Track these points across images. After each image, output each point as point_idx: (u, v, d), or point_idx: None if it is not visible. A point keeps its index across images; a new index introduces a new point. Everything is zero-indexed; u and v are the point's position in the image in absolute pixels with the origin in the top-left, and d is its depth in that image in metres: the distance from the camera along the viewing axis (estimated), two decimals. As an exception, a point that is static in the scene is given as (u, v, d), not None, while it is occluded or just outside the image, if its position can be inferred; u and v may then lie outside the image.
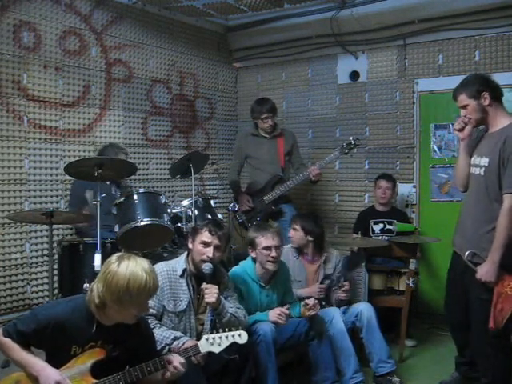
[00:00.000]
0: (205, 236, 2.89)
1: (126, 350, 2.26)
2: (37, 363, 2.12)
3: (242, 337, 2.39)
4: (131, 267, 2.15)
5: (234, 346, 2.41)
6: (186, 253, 3.03)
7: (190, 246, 2.97)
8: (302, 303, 3.29)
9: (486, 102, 2.90)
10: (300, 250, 3.75)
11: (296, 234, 3.71)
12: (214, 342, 2.35)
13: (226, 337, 2.37)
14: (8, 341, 2.14)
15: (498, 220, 2.79)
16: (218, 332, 2.40)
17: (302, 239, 3.71)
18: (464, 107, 2.97)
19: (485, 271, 2.83)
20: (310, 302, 3.25)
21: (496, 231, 2.80)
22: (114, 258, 2.21)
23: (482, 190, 2.93)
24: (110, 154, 4.16)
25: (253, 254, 3.30)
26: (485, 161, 2.91)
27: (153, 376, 2.23)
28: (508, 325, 2.86)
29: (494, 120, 2.93)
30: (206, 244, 2.88)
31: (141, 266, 2.16)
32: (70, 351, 2.17)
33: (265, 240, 3.21)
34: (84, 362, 2.16)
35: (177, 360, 2.27)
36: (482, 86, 2.92)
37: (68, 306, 2.22)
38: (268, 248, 3.20)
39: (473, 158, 3.04)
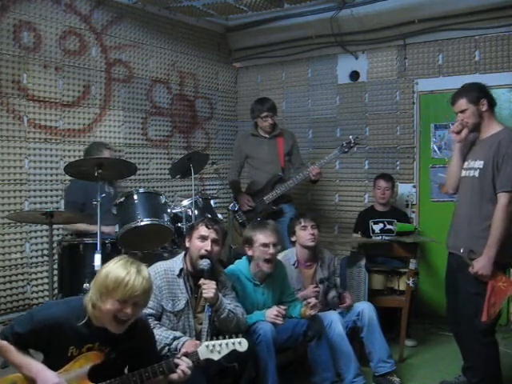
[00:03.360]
0: (202, 230, 2.91)
1: (124, 352, 2.25)
2: (34, 365, 2.11)
3: (242, 345, 2.37)
4: (118, 264, 2.16)
5: (233, 353, 2.39)
6: (183, 253, 3.03)
7: (188, 244, 2.98)
8: (304, 303, 3.29)
9: (484, 109, 3.07)
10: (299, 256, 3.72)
11: (316, 231, 3.67)
12: (214, 350, 2.33)
13: (226, 344, 2.34)
14: (5, 343, 2.13)
15: (494, 217, 2.93)
16: (216, 331, 2.38)
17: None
18: (462, 111, 3.12)
19: (481, 265, 2.93)
20: (312, 301, 3.24)
21: (491, 228, 2.93)
22: (115, 258, 2.23)
23: (476, 192, 3.06)
24: (94, 152, 4.12)
25: (249, 252, 3.28)
26: (479, 163, 3.06)
27: (154, 378, 2.23)
28: (494, 321, 3.01)
29: (488, 126, 3.10)
30: (203, 238, 2.89)
31: (127, 265, 2.15)
32: (68, 353, 2.15)
33: (263, 237, 3.21)
34: (82, 365, 2.15)
35: (185, 363, 2.27)
36: (482, 93, 3.10)
37: (65, 306, 2.22)
38: (266, 245, 3.20)
39: (466, 163, 3.18)
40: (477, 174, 3.06)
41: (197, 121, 5.72)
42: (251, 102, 4.75)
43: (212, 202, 4.11)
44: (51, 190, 4.38)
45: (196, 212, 3.86)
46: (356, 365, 3.38)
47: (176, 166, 4.10)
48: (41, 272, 4.28)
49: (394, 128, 5.19)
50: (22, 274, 4.18)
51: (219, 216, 4.04)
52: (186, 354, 2.33)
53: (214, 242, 2.91)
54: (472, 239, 3.05)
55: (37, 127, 4.28)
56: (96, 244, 3.28)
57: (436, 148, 4.98)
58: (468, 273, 2.99)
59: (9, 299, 4.07)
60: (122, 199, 3.61)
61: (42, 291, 4.26)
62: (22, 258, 4.18)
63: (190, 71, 5.64)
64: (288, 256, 3.67)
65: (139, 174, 4.94)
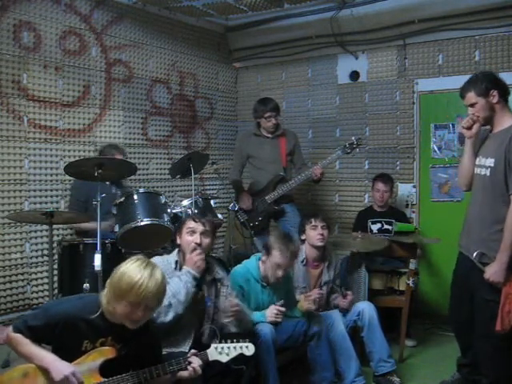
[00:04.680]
0: (189, 224, 2.95)
1: (135, 349, 2.27)
2: (47, 356, 2.14)
3: (249, 348, 2.44)
4: (134, 266, 2.18)
5: (239, 356, 2.44)
6: (176, 249, 3.06)
7: (179, 240, 3.00)
8: (303, 295, 3.30)
9: (495, 100, 2.88)
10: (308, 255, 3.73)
11: (326, 232, 3.69)
12: (223, 352, 2.40)
13: (234, 347, 2.41)
14: (18, 336, 2.16)
15: (506, 220, 2.77)
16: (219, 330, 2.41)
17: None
18: (472, 105, 2.94)
19: (493, 271, 2.79)
20: (312, 295, 3.26)
21: (504, 231, 2.78)
22: (132, 258, 2.25)
23: (488, 191, 2.90)
24: (107, 154, 4.16)
25: (263, 258, 3.30)
26: (490, 161, 2.89)
27: (163, 376, 2.26)
28: None
29: (501, 119, 2.91)
30: (192, 232, 2.92)
31: (141, 268, 2.17)
32: (81, 347, 2.19)
33: (280, 258, 3.20)
34: (94, 359, 2.19)
35: (196, 362, 2.30)
36: (491, 83, 2.90)
37: (79, 302, 2.26)
38: (279, 266, 3.21)
39: (478, 159, 3.01)
40: (488, 172, 2.89)
41: (197, 121, 5.72)
42: (251, 102, 4.75)
43: (212, 201, 4.11)
44: (51, 190, 4.37)
45: (196, 212, 3.86)
46: (357, 364, 3.39)
47: (176, 165, 4.10)
48: (41, 272, 4.27)
49: (394, 128, 5.19)
50: (22, 274, 4.18)
51: (219, 216, 4.04)
52: (196, 354, 2.36)
53: (202, 234, 2.93)
54: (483, 242, 2.90)
55: (37, 127, 4.27)
56: (96, 244, 3.28)
57: (436, 148, 4.98)
58: (482, 278, 2.84)
59: (9, 299, 4.06)
60: (121, 199, 3.60)
61: (42, 291, 4.25)
62: (22, 258, 4.18)
63: (190, 71, 5.63)
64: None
65: (139, 174, 4.94)
